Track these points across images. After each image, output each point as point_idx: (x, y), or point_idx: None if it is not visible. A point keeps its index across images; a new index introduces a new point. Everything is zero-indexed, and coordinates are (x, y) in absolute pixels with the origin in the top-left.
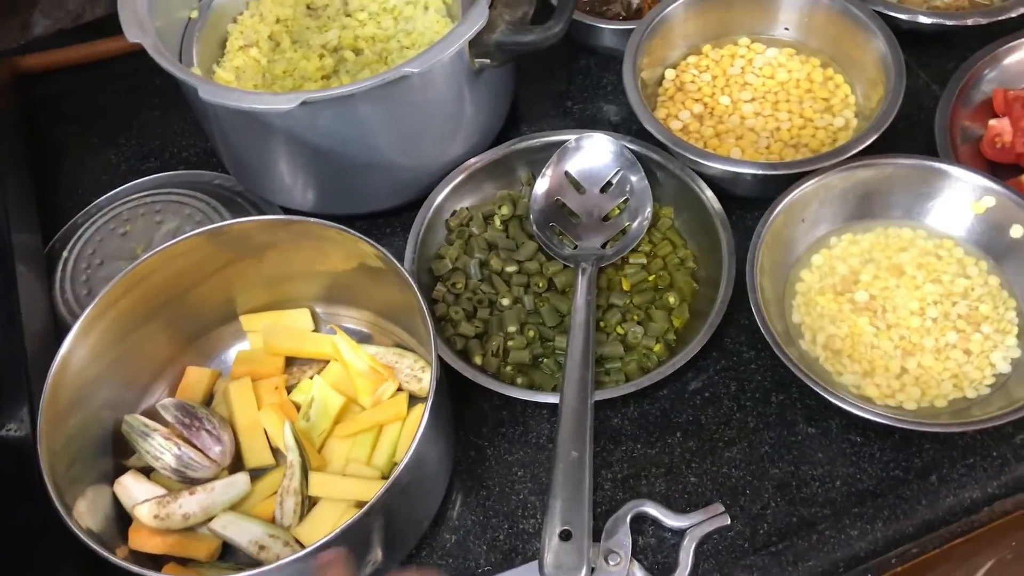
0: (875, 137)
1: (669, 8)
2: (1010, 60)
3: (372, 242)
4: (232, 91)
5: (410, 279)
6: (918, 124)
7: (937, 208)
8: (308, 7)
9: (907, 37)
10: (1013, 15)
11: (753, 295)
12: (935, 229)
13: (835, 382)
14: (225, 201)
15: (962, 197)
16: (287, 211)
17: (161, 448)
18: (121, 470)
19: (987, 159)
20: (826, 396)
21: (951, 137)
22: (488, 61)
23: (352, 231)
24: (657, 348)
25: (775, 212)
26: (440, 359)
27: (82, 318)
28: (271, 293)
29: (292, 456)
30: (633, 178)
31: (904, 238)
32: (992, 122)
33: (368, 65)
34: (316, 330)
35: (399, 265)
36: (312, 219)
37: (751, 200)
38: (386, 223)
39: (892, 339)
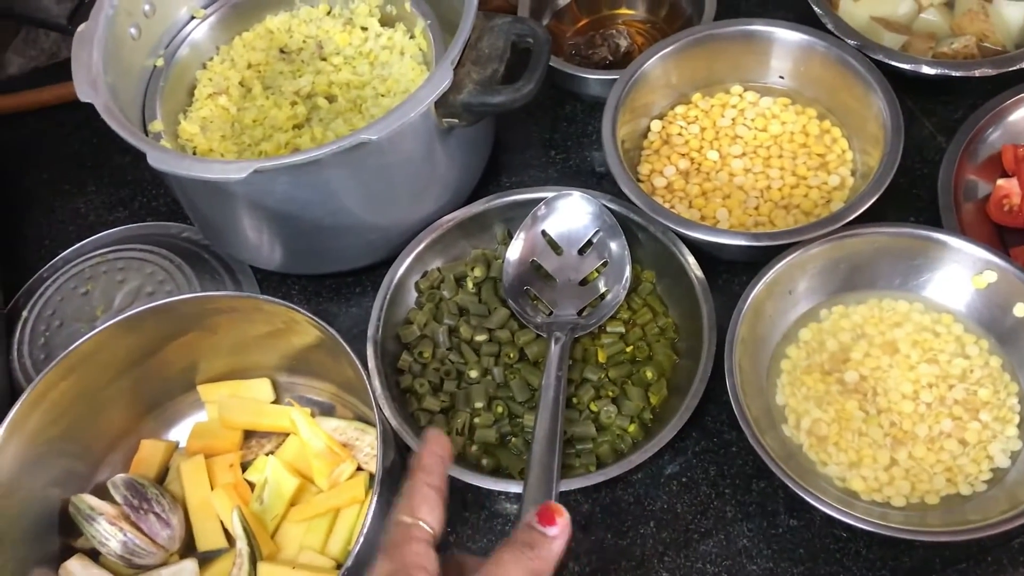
0: (868, 205)
1: (654, 57)
2: (1016, 113)
3: (317, 321)
4: (182, 158)
5: (355, 360)
6: (921, 179)
7: (935, 280)
8: (281, 51)
9: (912, 82)
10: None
11: (731, 378)
12: (933, 302)
13: (819, 473)
14: (191, 257)
15: (962, 270)
16: (255, 270)
17: (107, 534)
18: (69, 551)
19: (994, 221)
20: (805, 497)
21: (955, 197)
22: (456, 121)
23: (296, 308)
24: (632, 429)
25: (757, 286)
26: (395, 441)
27: (20, 402)
28: (232, 361)
29: (241, 544)
30: (612, 243)
31: (899, 311)
32: (1000, 182)
33: (341, 114)
34: (277, 400)
35: (345, 346)
36: (261, 296)
37: (740, 263)
38: (356, 282)
39: (882, 426)
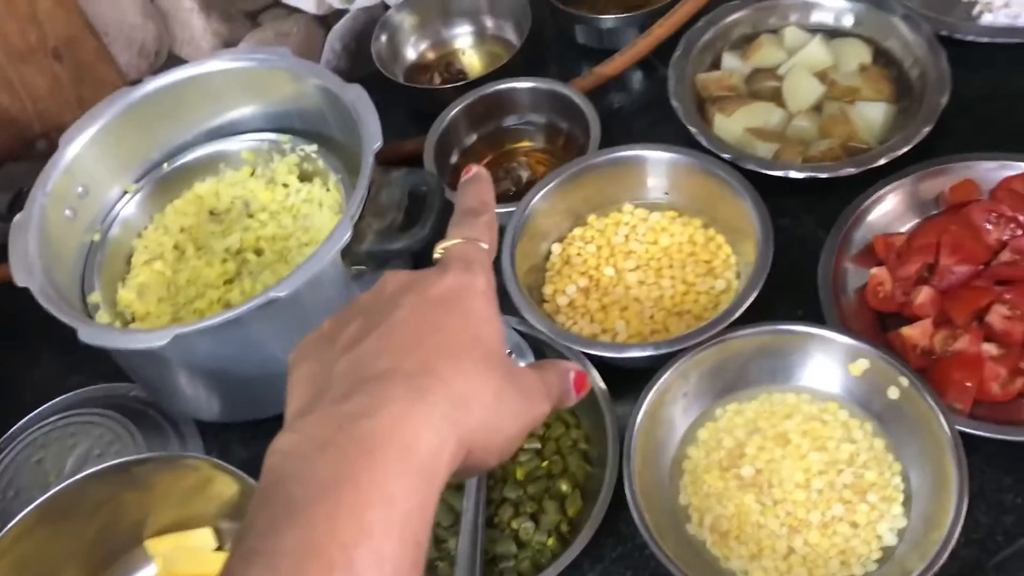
0: (743, 308)
1: (543, 190)
2: (885, 205)
3: (235, 470)
4: (109, 331)
5: None
6: (807, 274)
7: (818, 371)
8: (211, 213)
9: (793, 184)
10: (882, 162)
11: (630, 486)
12: (818, 391)
13: (723, 568)
14: (137, 416)
15: (838, 359)
16: (198, 421)
17: None
18: None
19: (872, 308)
20: None
21: (835, 288)
22: (364, 268)
23: (213, 460)
24: (551, 542)
25: (649, 394)
26: None
27: None
28: (175, 514)
29: None
30: (521, 363)
31: (788, 403)
32: (874, 271)
33: (269, 265)
34: (220, 548)
35: None
36: (181, 453)
37: (644, 369)
38: None
39: (778, 516)
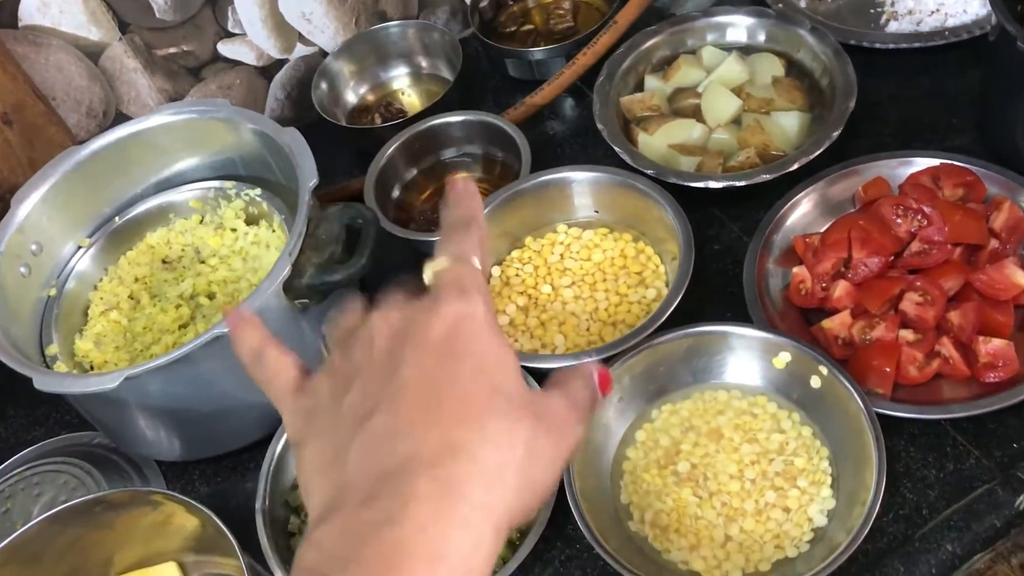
0: (668, 314)
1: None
2: (802, 208)
3: (193, 503)
4: (62, 378)
5: (233, 541)
6: (734, 278)
7: (744, 367)
8: (163, 261)
9: (718, 194)
10: (795, 167)
11: (570, 489)
12: (747, 386)
13: (663, 561)
14: (100, 462)
15: (762, 354)
16: (160, 462)
17: None
18: None
19: (796, 305)
20: None
21: (759, 289)
22: (307, 300)
23: (172, 494)
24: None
25: None
26: None
27: None
28: (140, 551)
29: None
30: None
31: (720, 400)
32: (795, 270)
33: (221, 308)
34: None
35: (223, 527)
36: (145, 490)
37: None
38: (251, 457)
39: (715, 507)
